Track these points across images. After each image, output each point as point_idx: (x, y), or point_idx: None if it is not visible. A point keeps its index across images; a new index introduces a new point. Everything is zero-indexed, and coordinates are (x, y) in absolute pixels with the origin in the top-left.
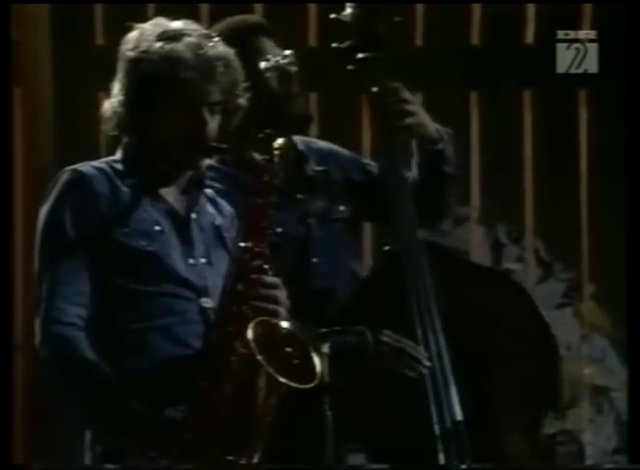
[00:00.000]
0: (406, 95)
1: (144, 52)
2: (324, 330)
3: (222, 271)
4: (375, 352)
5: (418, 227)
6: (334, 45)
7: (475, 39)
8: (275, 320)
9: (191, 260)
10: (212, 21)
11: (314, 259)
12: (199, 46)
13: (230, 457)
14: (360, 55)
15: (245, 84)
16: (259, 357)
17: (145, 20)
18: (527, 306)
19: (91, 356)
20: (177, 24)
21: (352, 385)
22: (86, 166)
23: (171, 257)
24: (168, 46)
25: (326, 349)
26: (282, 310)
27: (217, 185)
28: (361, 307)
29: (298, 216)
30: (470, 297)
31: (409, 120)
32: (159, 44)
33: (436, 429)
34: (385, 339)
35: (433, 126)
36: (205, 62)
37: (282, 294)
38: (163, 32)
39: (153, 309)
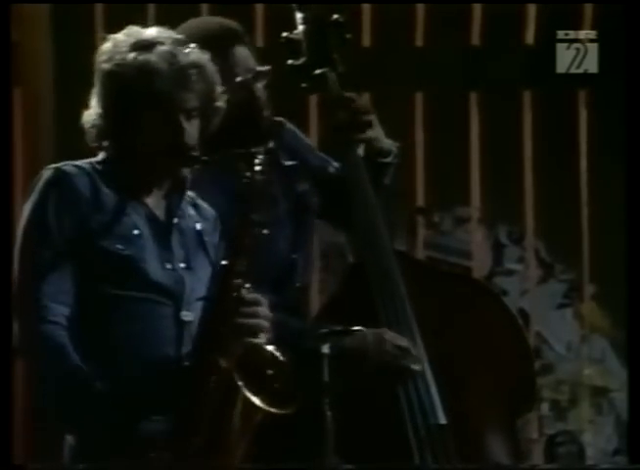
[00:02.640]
0: (365, 105)
1: (118, 64)
2: (324, 330)
3: (201, 277)
4: (379, 352)
5: (389, 237)
6: (289, 62)
7: (475, 39)
8: (258, 342)
9: (168, 265)
10: None
11: (294, 256)
12: (172, 55)
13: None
14: (315, 71)
15: (221, 88)
16: (240, 383)
17: (145, 20)
18: (499, 308)
19: (73, 359)
20: (150, 33)
21: (352, 386)
22: (68, 166)
23: (147, 261)
24: (142, 57)
25: (326, 349)
26: (263, 325)
27: (200, 187)
28: (334, 317)
29: (279, 213)
30: (441, 302)
31: (370, 134)
32: (132, 55)
33: (421, 433)
34: (387, 337)
35: (384, 139)
36: (179, 70)
37: (263, 310)
38: (136, 42)
39: (128, 314)
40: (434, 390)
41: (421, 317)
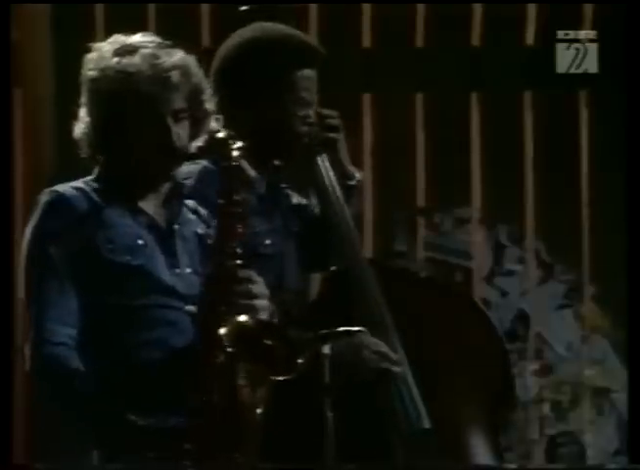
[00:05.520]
0: (331, 112)
1: (102, 70)
2: (325, 331)
3: None
4: (359, 357)
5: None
6: None
7: (475, 40)
8: (253, 315)
9: (177, 270)
10: (212, 21)
11: (287, 264)
12: (155, 56)
13: (227, 455)
14: None
15: (210, 89)
16: (232, 350)
17: (145, 21)
18: (473, 310)
19: (84, 373)
20: (134, 39)
21: (354, 386)
22: (64, 187)
23: (158, 268)
24: (124, 60)
25: (327, 349)
26: (259, 303)
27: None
28: (313, 326)
29: (275, 226)
30: (418, 308)
31: (336, 136)
32: (115, 60)
33: (407, 439)
34: (366, 342)
35: (349, 163)
36: (161, 71)
37: (257, 287)
38: (119, 48)
39: (146, 323)
40: (416, 394)
41: (398, 323)
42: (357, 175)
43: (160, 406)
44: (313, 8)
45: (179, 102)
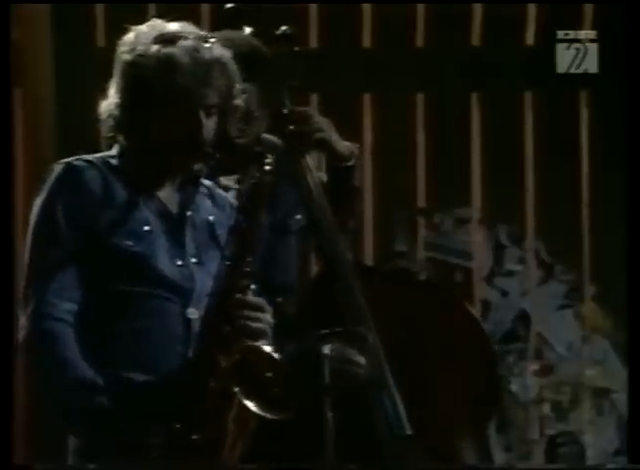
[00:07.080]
0: (315, 115)
1: (140, 55)
2: (325, 331)
3: (212, 271)
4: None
5: (345, 247)
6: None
7: (475, 40)
8: (259, 344)
9: (179, 262)
10: (213, 20)
11: (273, 273)
12: (195, 49)
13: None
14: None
15: (240, 86)
16: (236, 389)
17: (146, 21)
18: (461, 312)
19: (75, 357)
20: (174, 27)
21: (354, 386)
22: (79, 161)
23: (157, 258)
24: (165, 49)
25: (327, 350)
26: (265, 330)
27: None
28: (305, 323)
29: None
30: (401, 309)
31: (318, 135)
32: (155, 47)
33: (389, 443)
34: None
35: (342, 143)
36: (201, 66)
37: (265, 315)
38: (160, 35)
39: (134, 311)
40: (398, 401)
41: (381, 324)
42: (355, 150)
43: (138, 400)
44: (313, 8)
45: (213, 97)
